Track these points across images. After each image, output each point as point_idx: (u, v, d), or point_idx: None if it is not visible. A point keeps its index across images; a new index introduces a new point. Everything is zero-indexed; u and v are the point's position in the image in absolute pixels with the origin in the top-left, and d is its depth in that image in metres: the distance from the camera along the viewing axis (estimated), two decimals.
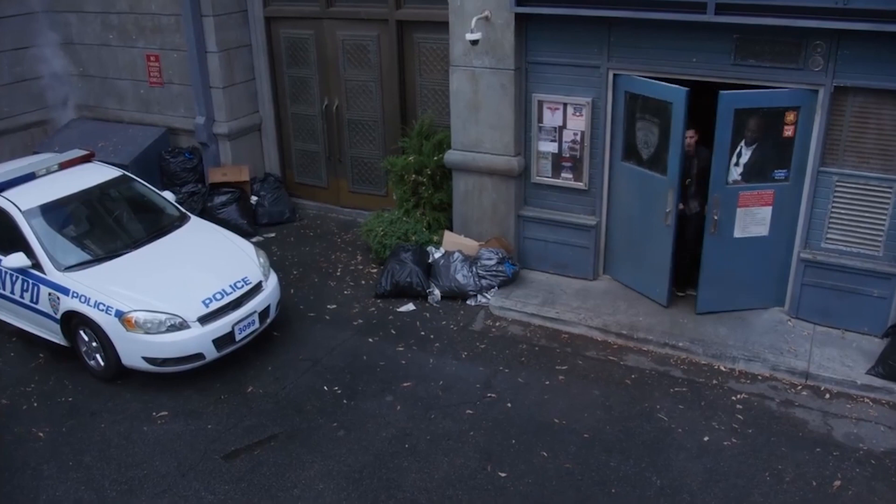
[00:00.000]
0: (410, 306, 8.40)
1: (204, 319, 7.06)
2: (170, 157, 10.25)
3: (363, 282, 8.96)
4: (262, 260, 7.86)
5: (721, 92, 7.02)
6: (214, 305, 7.15)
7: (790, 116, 7.08)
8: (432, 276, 8.49)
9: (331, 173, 10.56)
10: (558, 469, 6.14)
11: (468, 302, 8.37)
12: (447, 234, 8.74)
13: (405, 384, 7.18)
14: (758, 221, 7.42)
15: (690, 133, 7.52)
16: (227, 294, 7.27)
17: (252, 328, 7.42)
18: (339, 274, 9.18)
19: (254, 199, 10.24)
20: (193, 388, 7.14)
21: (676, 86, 7.19)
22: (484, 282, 8.31)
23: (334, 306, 8.49)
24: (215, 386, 7.18)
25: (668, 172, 7.47)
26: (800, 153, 7.20)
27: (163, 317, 6.96)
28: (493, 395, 7.01)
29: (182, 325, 6.98)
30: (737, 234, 7.43)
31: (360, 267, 9.30)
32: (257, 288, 7.54)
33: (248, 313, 7.34)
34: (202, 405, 6.95)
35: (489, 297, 8.28)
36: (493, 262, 8.33)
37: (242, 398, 7.04)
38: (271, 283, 7.74)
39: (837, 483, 5.93)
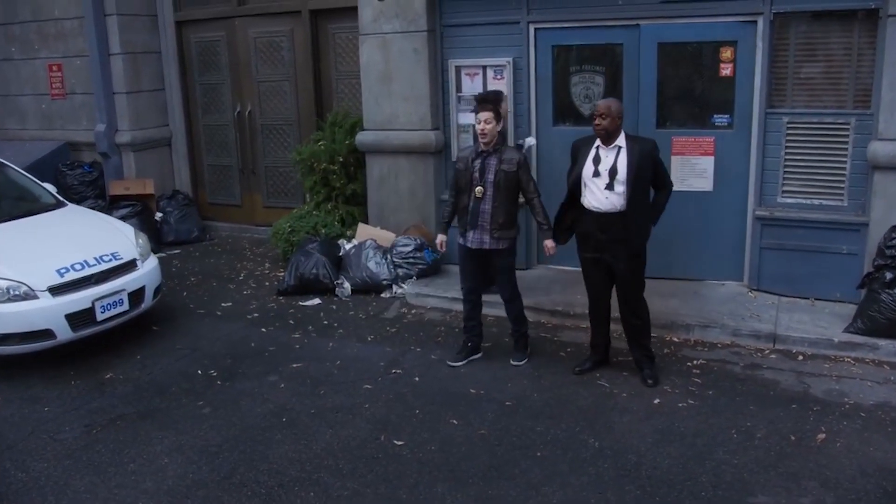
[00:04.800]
0: (316, 301, 7.25)
1: (56, 290, 5.88)
2: (67, 170, 9.31)
3: (267, 283, 7.86)
4: (140, 241, 6.78)
5: (642, 24, 6.33)
6: (71, 276, 5.99)
7: (727, 53, 6.38)
8: (342, 270, 7.39)
9: (244, 188, 9.70)
10: (469, 436, 4.86)
11: (383, 295, 7.25)
12: (361, 226, 7.71)
13: (295, 365, 5.95)
14: (699, 173, 6.52)
15: (483, 116, 5.41)
16: (90, 266, 6.13)
17: (119, 308, 6.20)
18: (241, 278, 8.07)
19: (158, 215, 9.26)
20: (41, 375, 5.87)
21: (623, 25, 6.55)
22: (400, 271, 7.22)
23: (229, 304, 7.33)
24: (69, 374, 5.90)
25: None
26: (743, 95, 6.42)
27: (4, 284, 5.79)
28: (398, 371, 5.78)
29: (27, 295, 5.80)
30: (676, 186, 6.34)
31: (267, 272, 8.22)
32: (130, 265, 6.41)
33: (114, 290, 6.16)
34: (46, 391, 5.65)
35: (406, 287, 7.18)
36: (409, 249, 7.27)
37: (96, 383, 5.75)
38: (149, 265, 6.62)
39: (822, 436, 4.70)
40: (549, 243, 5.59)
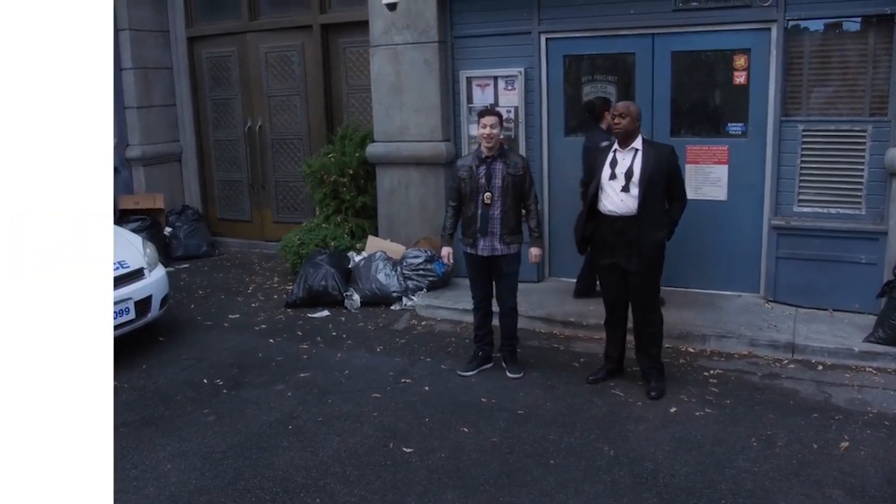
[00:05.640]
0: (325, 313, 7.14)
1: None
2: None
3: (275, 296, 7.76)
4: (148, 251, 6.71)
5: (655, 34, 6.33)
6: None
7: (740, 61, 6.33)
8: (352, 282, 7.30)
9: (254, 204, 9.65)
10: (481, 444, 4.72)
11: (392, 307, 7.14)
12: (371, 238, 7.63)
13: (302, 375, 5.84)
14: (712, 182, 6.45)
15: (489, 121, 5.33)
16: None
17: (125, 317, 6.11)
18: (249, 292, 7.98)
19: (168, 230, 9.23)
20: None
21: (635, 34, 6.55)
22: (410, 283, 7.12)
23: (237, 316, 7.24)
24: None
25: None
26: (757, 103, 6.34)
27: None
28: (407, 381, 5.65)
29: None
30: (689, 195, 6.35)
31: (276, 286, 8.13)
32: (137, 274, 6.33)
33: (120, 298, 6.06)
34: None
35: (416, 299, 7.07)
36: (419, 261, 7.18)
37: None
38: (156, 275, 6.54)
39: (845, 444, 4.54)
40: (535, 251, 5.55)
